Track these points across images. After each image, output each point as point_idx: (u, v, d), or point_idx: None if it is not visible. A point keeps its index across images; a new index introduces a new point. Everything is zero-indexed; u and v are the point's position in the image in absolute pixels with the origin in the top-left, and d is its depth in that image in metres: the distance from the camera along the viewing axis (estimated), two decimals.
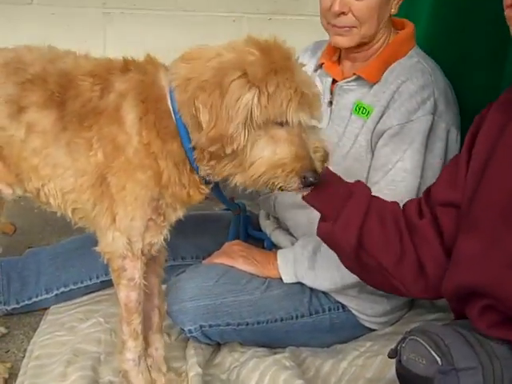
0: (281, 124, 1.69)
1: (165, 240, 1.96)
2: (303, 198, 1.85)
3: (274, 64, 1.68)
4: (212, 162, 1.77)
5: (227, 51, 1.72)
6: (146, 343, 2.12)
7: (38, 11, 3.49)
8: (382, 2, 2.07)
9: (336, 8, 2.06)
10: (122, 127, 1.80)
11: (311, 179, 1.70)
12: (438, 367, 1.47)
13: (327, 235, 1.86)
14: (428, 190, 1.85)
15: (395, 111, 2.08)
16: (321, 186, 1.75)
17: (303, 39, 2.45)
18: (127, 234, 1.87)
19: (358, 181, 1.91)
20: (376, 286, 1.94)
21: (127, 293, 1.95)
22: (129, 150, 1.80)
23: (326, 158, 1.75)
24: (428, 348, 1.49)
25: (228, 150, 1.67)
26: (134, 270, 1.92)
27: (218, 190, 2.05)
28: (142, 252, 1.93)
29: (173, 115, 1.78)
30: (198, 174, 1.83)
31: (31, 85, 1.86)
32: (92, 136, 1.82)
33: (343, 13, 2.07)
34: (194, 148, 1.77)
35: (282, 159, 1.69)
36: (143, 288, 1.99)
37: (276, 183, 1.72)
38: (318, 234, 1.90)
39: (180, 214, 1.93)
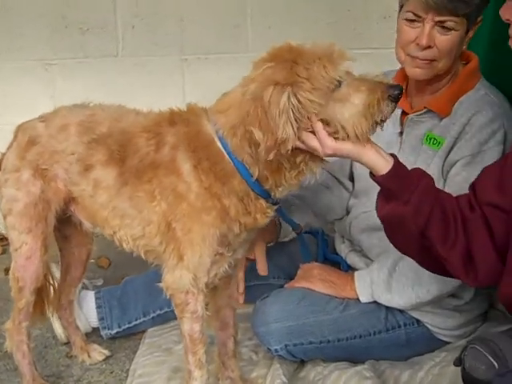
0: (338, 85, 1.75)
1: (229, 267, 2.04)
2: (374, 178, 1.83)
3: (289, 59, 1.75)
4: (293, 172, 1.86)
5: (249, 83, 1.78)
6: (224, 367, 2.27)
7: (123, 62, 3.71)
8: (461, 37, 2.13)
9: (424, 41, 2.10)
10: (180, 177, 1.91)
11: (396, 92, 1.76)
12: (496, 371, 1.56)
13: (393, 215, 1.86)
14: (473, 186, 1.88)
15: (467, 142, 2.15)
16: (393, 170, 1.81)
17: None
18: (194, 271, 1.95)
19: (418, 168, 1.90)
20: (431, 270, 2.00)
21: (191, 325, 2.01)
22: (190, 196, 1.90)
23: (383, 76, 1.81)
24: (486, 354, 1.58)
25: (283, 151, 1.74)
26: (196, 303, 1.99)
27: (281, 210, 2.17)
28: (206, 285, 2.00)
29: (227, 157, 1.87)
30: (269, 198, 1.92)
31: (96, 144, 2.04)
32: (153, 188, 1.94)
33: (429, 46, 2.13)
34: (257, 179, 1.86)
35: (364, 101, 1.74)
36: (219, 319, 2.13)
37: (377, 120, 1.76)
38: (380, 214, 1.90)
39: (243, 237, 2.00)
